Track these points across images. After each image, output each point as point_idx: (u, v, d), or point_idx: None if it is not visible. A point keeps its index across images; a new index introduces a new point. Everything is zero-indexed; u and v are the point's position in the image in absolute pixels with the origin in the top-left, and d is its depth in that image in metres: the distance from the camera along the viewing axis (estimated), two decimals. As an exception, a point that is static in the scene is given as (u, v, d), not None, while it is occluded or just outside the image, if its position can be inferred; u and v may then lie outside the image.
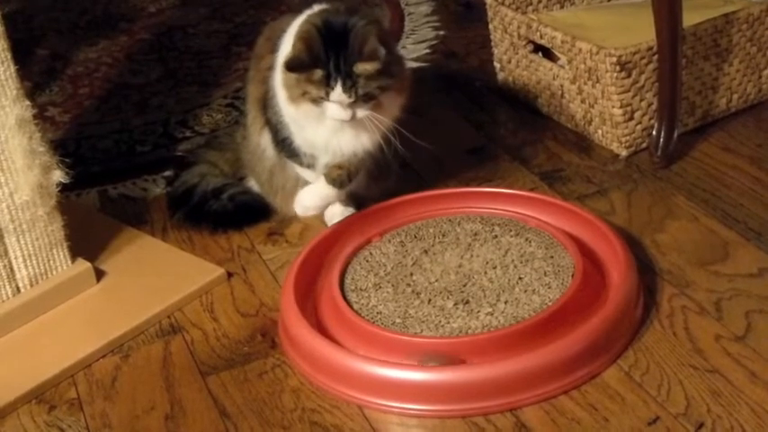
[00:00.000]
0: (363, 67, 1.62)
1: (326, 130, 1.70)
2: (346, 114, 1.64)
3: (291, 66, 1.62)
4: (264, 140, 1.82)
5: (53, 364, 1.58)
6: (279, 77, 1.70)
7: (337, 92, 1.62)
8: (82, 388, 1.55)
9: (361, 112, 1.65)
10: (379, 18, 1.84)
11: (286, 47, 1.70)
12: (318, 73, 1.61)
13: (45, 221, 1.67)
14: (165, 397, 1.52)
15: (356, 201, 1.85)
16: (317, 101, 1.64)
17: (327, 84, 1.62)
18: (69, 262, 1.72)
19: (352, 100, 1.62)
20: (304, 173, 1.81)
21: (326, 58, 1.61)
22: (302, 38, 1.63)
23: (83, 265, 1.73)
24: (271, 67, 1.75)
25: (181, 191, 1.94)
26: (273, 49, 1.75)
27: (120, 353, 1.62)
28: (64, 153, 1.75)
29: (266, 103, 1.78)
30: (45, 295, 1.68)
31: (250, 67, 1.88)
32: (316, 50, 1.62)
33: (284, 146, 1.78)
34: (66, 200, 1.74)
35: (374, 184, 1.85)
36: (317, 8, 1.72)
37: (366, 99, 1.64)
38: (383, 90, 1.65)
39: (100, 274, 1.75)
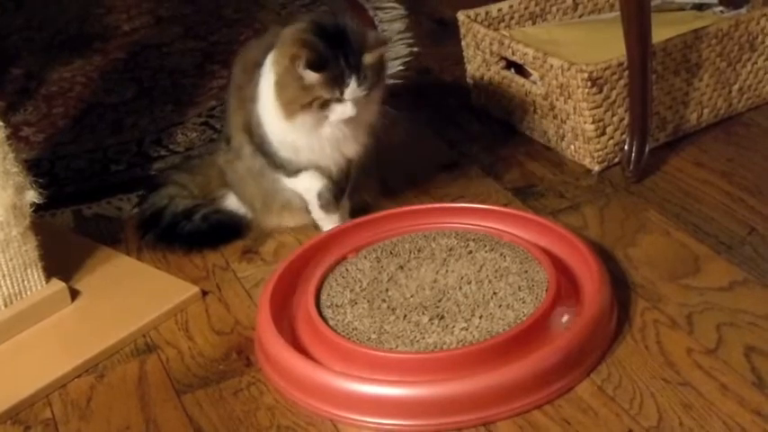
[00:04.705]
0: (373, 56, 1.63)
1: (325, 141, 1.71)
2: (353, 110, 1.65)
3: (316, 66, 1.60)
4: (259, 162, 1.82)
5: (28, 385, 1.57)
6: (268, 99, 1.70)
7: (352, 87, 1.63)
8: (57, 408, 1.55)
9: (367, 107, 1.67)
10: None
11: (268, 77, 1.70)
12: (331, 72, 1.61)
13: (19, 242, 1.67)
14: (140, 416, 1.51)
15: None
16: (325, 105, 1.65)
17: (342, 82, 1.62)
18: (44, 282, 1.72)
19: (365, 93, 1.63)
20: (291, 183, 1.82)
21: (335, 57, 1.62)
22: (305, 45, 1.62)
23: (57, 285, 1.73)
24: (252, 99, 1.75)
25: (149, 213, 1.93)
26: (250, 80, 1.76)
27: (95, 372, 1.61)
28: (38, 173, 1.74)
29: (251, 130, 1.79)
30: (19, 315, 1.68)
31: (230, 94, 1.88)
32: (322, 52, 1.61)
33: (272, 161, 1.80)
34: (41, 220, 1.74)
35: (355, 194, 1.88)
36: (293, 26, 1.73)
37: (370, 91, 1.65)
38: (380, 80, 1.67)
39: (74, 294, 1.75)
